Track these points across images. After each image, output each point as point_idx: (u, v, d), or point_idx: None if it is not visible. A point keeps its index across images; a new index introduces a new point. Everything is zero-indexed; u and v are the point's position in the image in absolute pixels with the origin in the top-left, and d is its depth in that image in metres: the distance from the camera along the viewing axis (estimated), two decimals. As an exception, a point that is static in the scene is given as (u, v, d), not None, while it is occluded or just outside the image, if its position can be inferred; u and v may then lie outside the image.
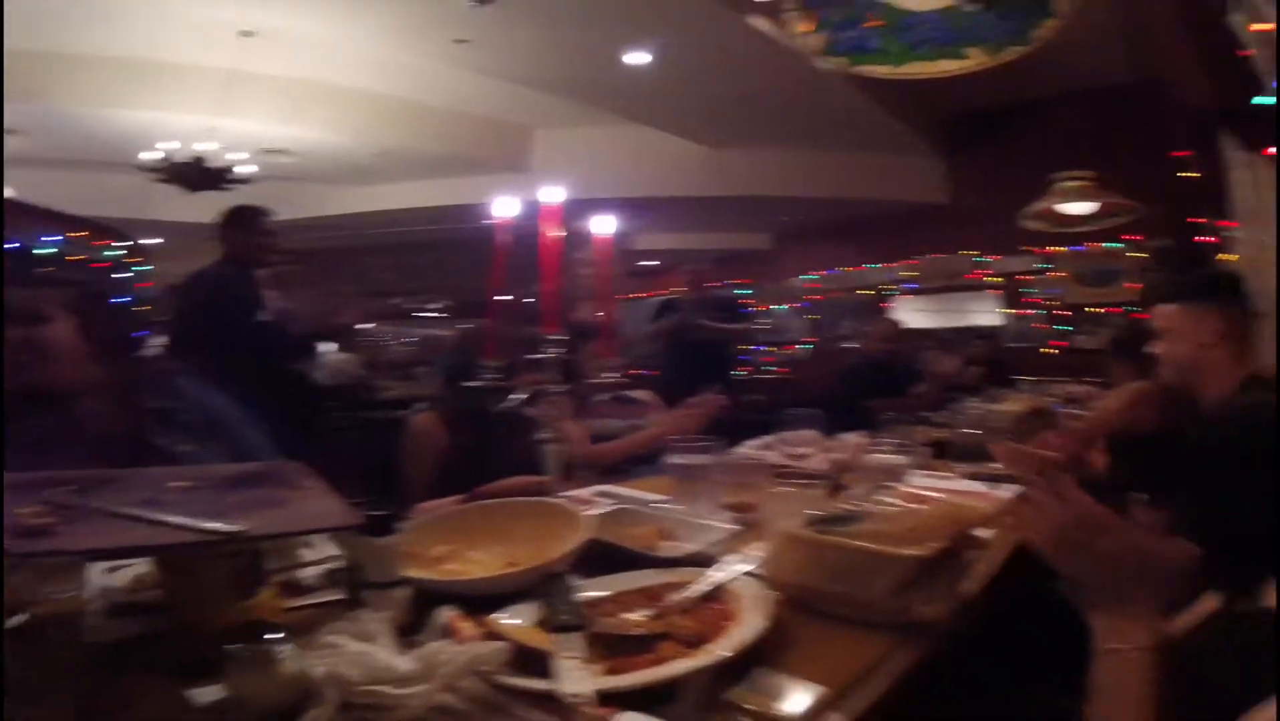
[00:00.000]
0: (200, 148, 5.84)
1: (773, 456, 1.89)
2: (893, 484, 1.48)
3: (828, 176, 7.59)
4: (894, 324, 4.35)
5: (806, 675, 0.82)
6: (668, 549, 1.20)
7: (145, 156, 5.86)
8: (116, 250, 4.43)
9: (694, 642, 0.85)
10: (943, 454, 2.40)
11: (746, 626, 0.88)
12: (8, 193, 4.29)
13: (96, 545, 0.78)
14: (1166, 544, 0.81)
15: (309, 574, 1.11)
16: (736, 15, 4.79)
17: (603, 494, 1.70)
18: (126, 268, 4.48)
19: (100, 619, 0.94)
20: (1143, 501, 0.85)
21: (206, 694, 0.75)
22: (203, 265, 3.33)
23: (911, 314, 5.73)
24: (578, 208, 1.82)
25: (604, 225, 1.85)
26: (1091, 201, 4.64)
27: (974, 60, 2.95)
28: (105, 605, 0.97)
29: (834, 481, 1.57)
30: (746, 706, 0.76)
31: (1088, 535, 0.81)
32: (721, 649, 0.82)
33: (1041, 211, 4.92)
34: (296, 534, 0.95)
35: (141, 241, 5.26)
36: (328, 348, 5.19)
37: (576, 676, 0.75)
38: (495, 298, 1.75)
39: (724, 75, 5.74)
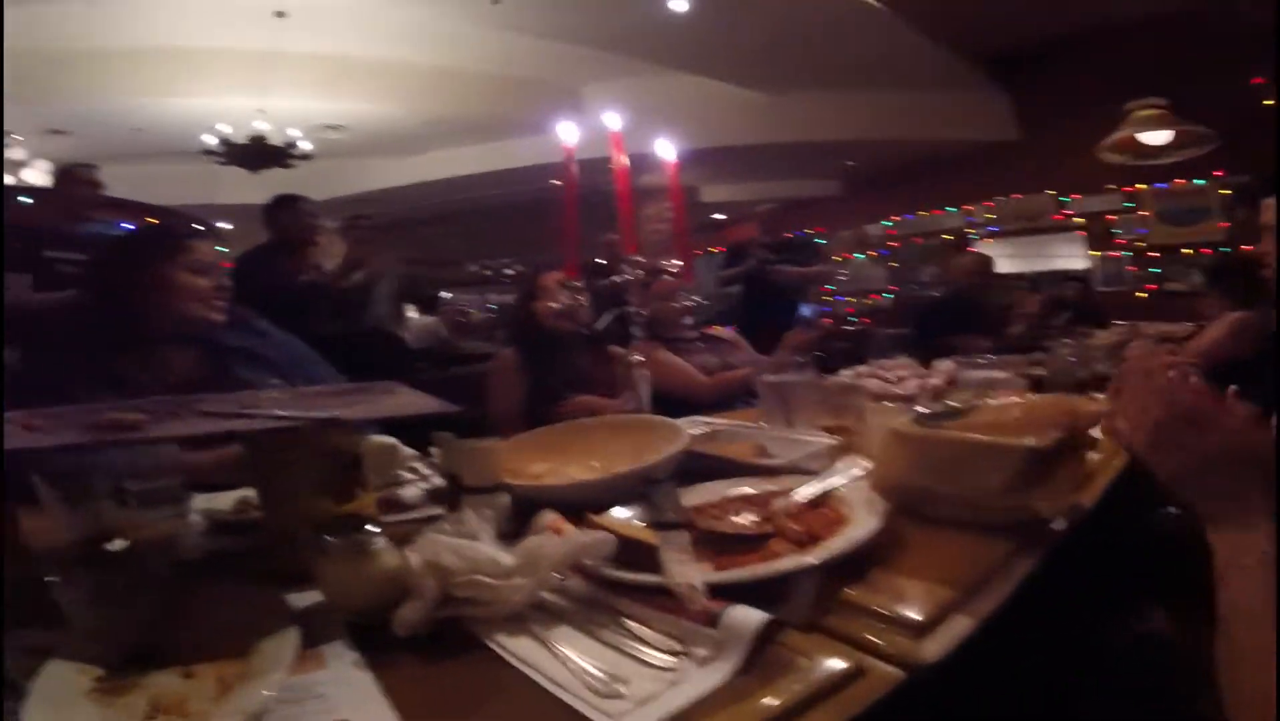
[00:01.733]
0: (258, 127, 5.93)
1: (869, 383, 1.81)
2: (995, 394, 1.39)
3: (890, 117, 7.24)
4: (982, 258, 4.15)
5: (924, 580, 0.76)
6: (767, 463, 1.15)
7: (206, 139, 5.94)
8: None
9: (804, 542, 0.80)
10: (1040, 388, 2.27)
11: (859, 526, 0.83)
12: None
13: (183, 432, 0.77)
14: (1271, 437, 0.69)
15: (407, 492, 1.12)
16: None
17: (692, 423, 1.66)
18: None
19: (201, 539, 0.97)
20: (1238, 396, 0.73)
21: (303, 598, 0.75)
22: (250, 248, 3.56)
23: (995, 258, 5.40)
24: (634, 163, 1.76)
25: (668, 156, 1.78)
26: (1168, 130, 4.30)
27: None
28: (206, 525, 1.00)
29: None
30: (868, 606, 0.70)
31: (1192, 432, 0.69)
32: (835, 547, 0.77)
33: (1118, 142, 4.58)
34: (394, 418, 0.93)
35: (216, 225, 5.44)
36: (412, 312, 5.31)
37: (685, 569, 0.72)
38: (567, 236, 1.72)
39: (764, 17, 5.51)
